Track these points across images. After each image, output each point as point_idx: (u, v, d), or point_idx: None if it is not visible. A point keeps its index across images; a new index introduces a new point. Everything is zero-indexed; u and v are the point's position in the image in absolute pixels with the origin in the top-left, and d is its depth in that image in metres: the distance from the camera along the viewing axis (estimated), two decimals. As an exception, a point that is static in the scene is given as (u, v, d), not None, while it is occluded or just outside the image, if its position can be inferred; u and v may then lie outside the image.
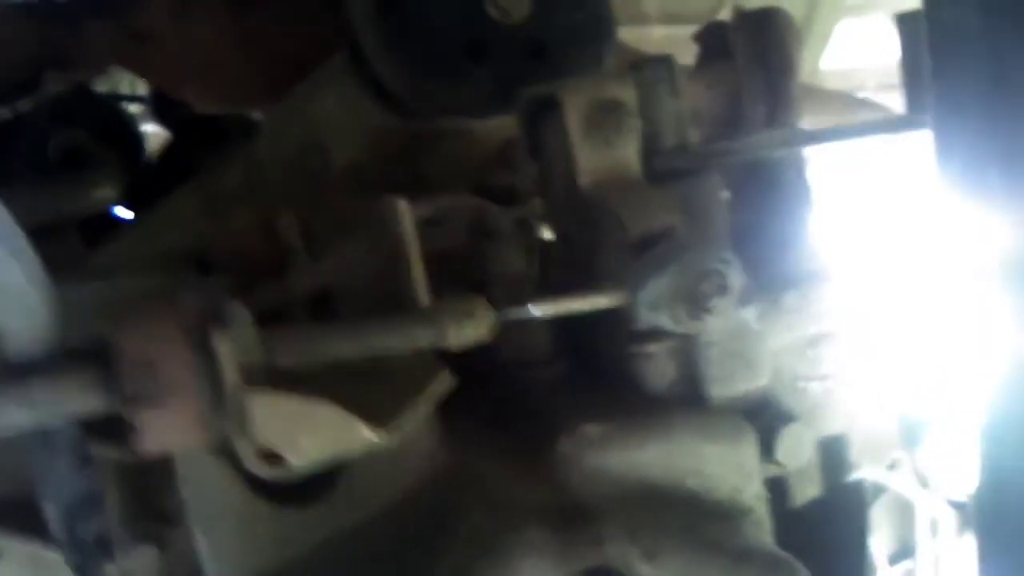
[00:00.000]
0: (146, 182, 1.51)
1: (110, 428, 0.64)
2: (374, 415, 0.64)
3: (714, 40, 1.15)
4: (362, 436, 0.61)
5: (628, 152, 0.84)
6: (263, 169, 1.13)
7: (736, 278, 0.77)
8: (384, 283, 0.82)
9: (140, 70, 1.34)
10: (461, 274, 0.97)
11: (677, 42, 1.46)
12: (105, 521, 0.80)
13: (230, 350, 0.59)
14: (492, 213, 0.88)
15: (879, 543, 1.39)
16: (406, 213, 0.80)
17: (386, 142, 1.16)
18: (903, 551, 1.43)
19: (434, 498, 0.75)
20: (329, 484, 0.77)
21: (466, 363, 0.82)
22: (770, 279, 0.89)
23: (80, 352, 0.60)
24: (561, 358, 0.89)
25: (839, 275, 0.93)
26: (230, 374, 0.58)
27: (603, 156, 0.84)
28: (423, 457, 0.77)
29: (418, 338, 0.67)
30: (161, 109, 1.61)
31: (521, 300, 0.72)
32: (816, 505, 0.98)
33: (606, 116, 0.83)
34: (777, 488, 0.93)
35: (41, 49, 1.35)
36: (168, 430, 0.59)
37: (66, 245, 1.33)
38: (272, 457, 0.61)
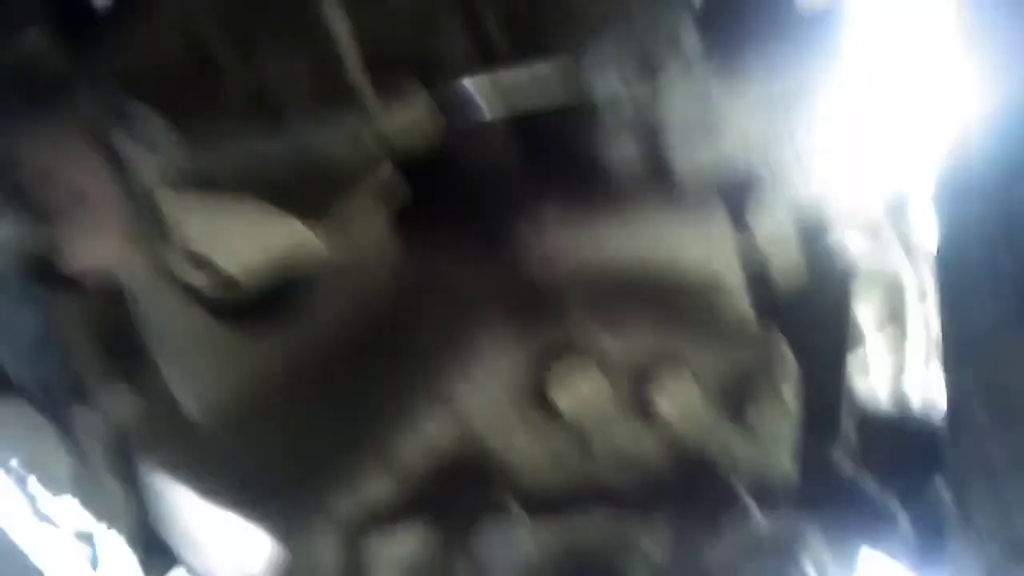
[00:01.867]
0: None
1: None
2: (309, 210, 0.60)
3: None
4: (296, 232, 0.58)
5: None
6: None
7: (688, 33, 0.72)
8: (323, 83, 0.76)
9: None
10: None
11: None
12: (71, 363, 0.78)
13: (138, 149, 0.54)
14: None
15: (867, 311, 1.39)
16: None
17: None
18: (892, 317, 1.43)
19: (397, 306, 0.72)
20: (290, 305, 0.74)
21: (427, 173, 0.78)
22: (730, 37, 0.82)
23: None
24: (514, 143, 0.84)
25: (806, 27, 0.87)
26: (143, 175, 0.54)
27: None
28: (383, 269, 0.74)
29: (353, 132, 0.63)
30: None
31: (456, 72, 0.66)
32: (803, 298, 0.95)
33: None
34: (760, 277, 0.90)
35: None
36: (91, 242, 0.55)
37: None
38: (205, 264, 0.58)
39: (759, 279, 0.91)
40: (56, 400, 0.83)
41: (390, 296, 0.76)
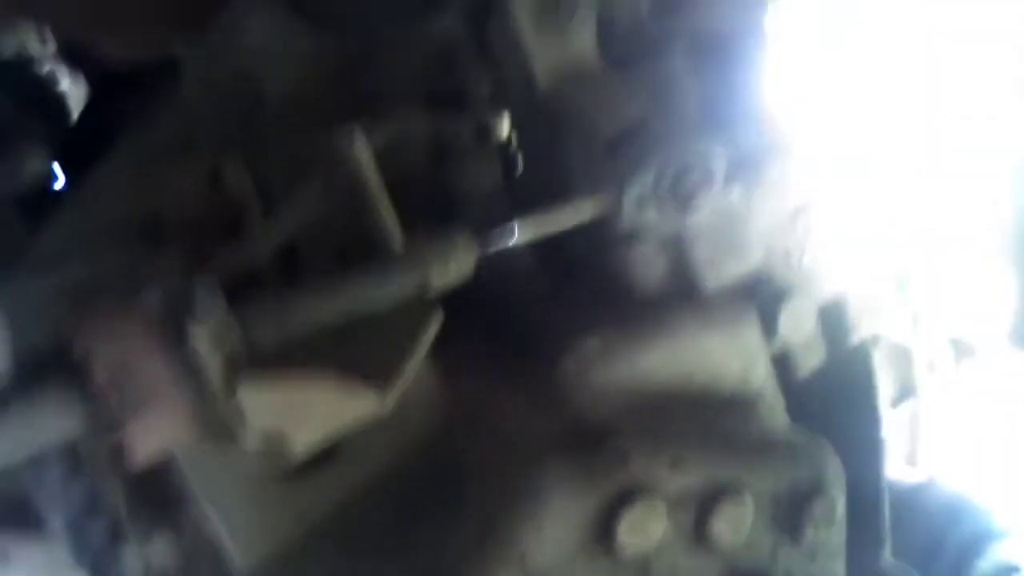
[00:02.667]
0: (76, 144, 1.42)
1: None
2: (372, 374, 0.60)
3: None
4: (366, 402, 0.58)
5: (585, 41, 0.79)
6: (194, 114, 1.05)
7: (719, 164, 0.73)
8: (351, 225, 0.77)
9: (41, 17, 1.24)
10: (426, 199, 0.92)
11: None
12: (114, 517, 0.77)
13: (208, 342, 0.54)
14: (450, 128, 0.82)
15: (881, 389, 1.41)
16: (362, 143, 0.74)
17: (322, 64, 1.08)
18: (904, 392, 1.45)
19: (443, 444, 0.72)
20: (334, 447, 0.73)
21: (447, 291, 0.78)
22: (746, 154, 0.84)
23: (50, 371, 0.56)
24: (543, 270, 0.85)
25: (811, 140, 0.89)
26: (213, 369, 0.54)
27: (559, 50, 0.78)
28: (425, 402, 0.73)
29: (401, 286, 0.63)
30: (76, 60, 1.51)
31: (501, 223, 0.67)
32: (823, 372, 0.96)
33: (556, 5, 0.76)
34: (783, 363, 0.92)
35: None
36: (157, 437, 0.55)
37: (5, 229, 1.26)
38: (276, 442, 0.57)
39: (794, 385, 0.93)
40: (91, 544, 0.82)
41: (436, 431, 0.76)
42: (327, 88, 1.09)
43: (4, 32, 1.35)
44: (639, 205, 0.71)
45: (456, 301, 0.80)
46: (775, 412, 0.83)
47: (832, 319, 0.95)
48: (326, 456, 0.75)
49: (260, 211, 0.89)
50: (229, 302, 0.59)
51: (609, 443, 0.66)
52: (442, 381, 0.76)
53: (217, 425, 0.56)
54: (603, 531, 0.65)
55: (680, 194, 0.71)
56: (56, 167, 1.39)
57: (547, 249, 0.87)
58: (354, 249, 0.81)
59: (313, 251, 0.87)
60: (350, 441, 0.74)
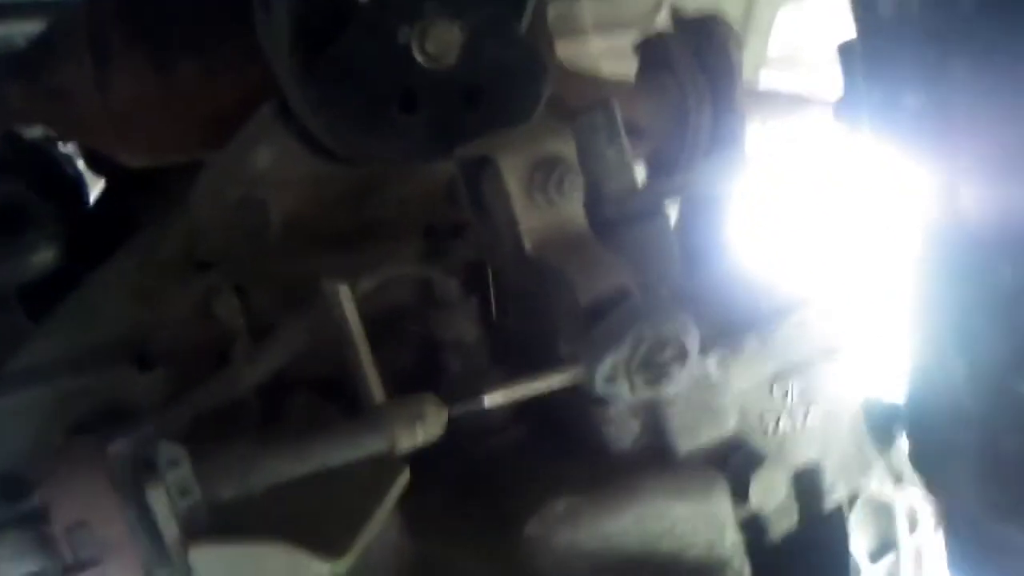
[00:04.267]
0: (87, 232, 1.45)
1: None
2: (328, 537, 0.61)
3: (654, 50, 1.12)
4: (316, 569, 0.58)
5: (573, 209, 0.81)
6: (198, 231, 1.08)
7: (693, 341, 0.75)
8: (333, 365, 0.79)
9: (61, 129, 1.28)
10: (410, 333, 0.93)
11: (616, 52, 1.42)
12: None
13: (166, 501, 0.55)
14: (439, 280, 0.85)
15: (859, 542, 1.39)
16: (348, 298, 0.76)
17: (326, 191, 1.11)
18: (884, 547, 1.43)
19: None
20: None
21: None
22: (726, 320, 0.86)
23: (14, 515, 0.57)
24: (519, 421, 0.86)
25: (797, 306, 0.91)
26: (168, 527, 0.55)
27: (547, 216, 0.80)
28: (387, 551, 0.74)
29: (367, 448, 0.64)
30: (93, 156, 1.55)
31: (475, 391, 0.69)
32: (796, 534, 0.96)
33: (546, 174, 0.79)
34: (753, 525, 0.92)
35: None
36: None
37: (6, 317, 1.28)
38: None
39: (759, 544, 0.93)
40: None
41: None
42: (329, 213, 1.12)
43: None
44: (611, 378, 0.72)
45: (427, 449, 0.81)
46: (742, 579, 0.83)
47: (807, 482, 0.95)
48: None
49: (249, 340, 0.90)
50: (197, 450, 0.61)
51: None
52: (406, 532, 0.76)
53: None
54: None
55: (653, 368, 0.73)
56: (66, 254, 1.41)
57: (523, 404, 0.88)
58: (338, 389, 0.83)
59: (298, 385, 0.89)
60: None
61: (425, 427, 0.65)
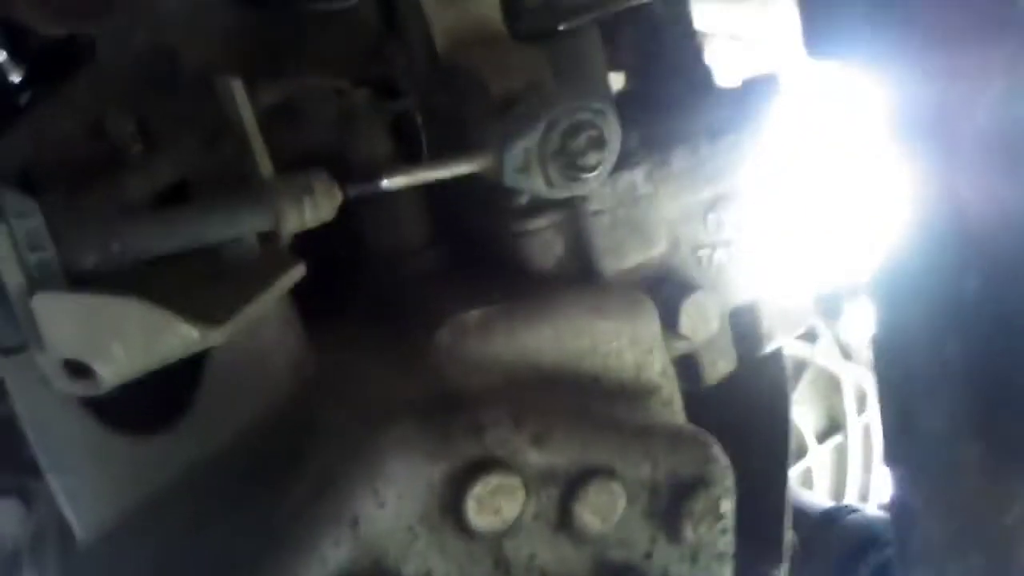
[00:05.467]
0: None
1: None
2: (205, 311, 0.55)
3: None
4: (183, 334, 0.53)
5: (486, 7, 0.75)
6: (106, 84, 1.01)
7: (612, 129, 0.70)
8: (231, 174, 0.73)
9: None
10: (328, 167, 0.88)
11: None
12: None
13: (9, 246, 0.49)
14: (348, 94, 0.79)
15: (806, 421, 1.36)
16: (239, 90, 0.70)
17: (242, 44, 1.05)
18: (832, 427, 1.40)
19: (299, 406, 0.67)
20: (184, 407, 0.68)
21: (333, 253, 0.74)
22: (659, 137, 0.81)
23: None
24: (440, 244, 0.81)
25: (736, 129, 0.86)
26: (10, 272, 0.49)
27: (459, 14, 0.75)
28: (286, 366, 0.68)
29: (248, 222, 0.59)
30: (9, 37, 1.46)
31: (374, 174, 0.63)
32: (734, 381, 0.92)
33: (457, -31, 0.73)
34: (688, 365, 0.87)
35: None
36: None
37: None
38: (80, 369, 0.52)
39: (692, 383, 0.88)
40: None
41: (291, 395, 0.70)
42: (244, 65, 1.06)
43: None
44: (523, 168, 0.67)
45: (342, 261, 0.76)
46: (671, 411, 0.78)
47: (744, 325, 0.91)
48: (176, 414, 0.69)
49: (140, 158, 0.84)
50: (57, 213, 0.55)
51: (465, 412, 0.61)
52: (307, 346, 0.71)
53: (9, 334, 0.50)
54: (450, 505, 0.60)
55: (568, 156, 0.67)
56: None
57: (445, 221, 0.83)
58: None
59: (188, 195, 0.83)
60: (202, 399, 0.69)
61: (315, 204, 0.59)
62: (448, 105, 0.77)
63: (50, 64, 1.38)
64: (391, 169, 0.65)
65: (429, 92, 0.81)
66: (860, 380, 1.31)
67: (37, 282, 0.51)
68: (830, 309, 1.23)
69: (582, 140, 0.67)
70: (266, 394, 0.68)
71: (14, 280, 0.49)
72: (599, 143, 0.68)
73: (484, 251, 0.80)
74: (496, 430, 0.61)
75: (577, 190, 0.70)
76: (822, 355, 1.25)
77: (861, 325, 1.28)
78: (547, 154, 0.67)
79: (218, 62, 1.05)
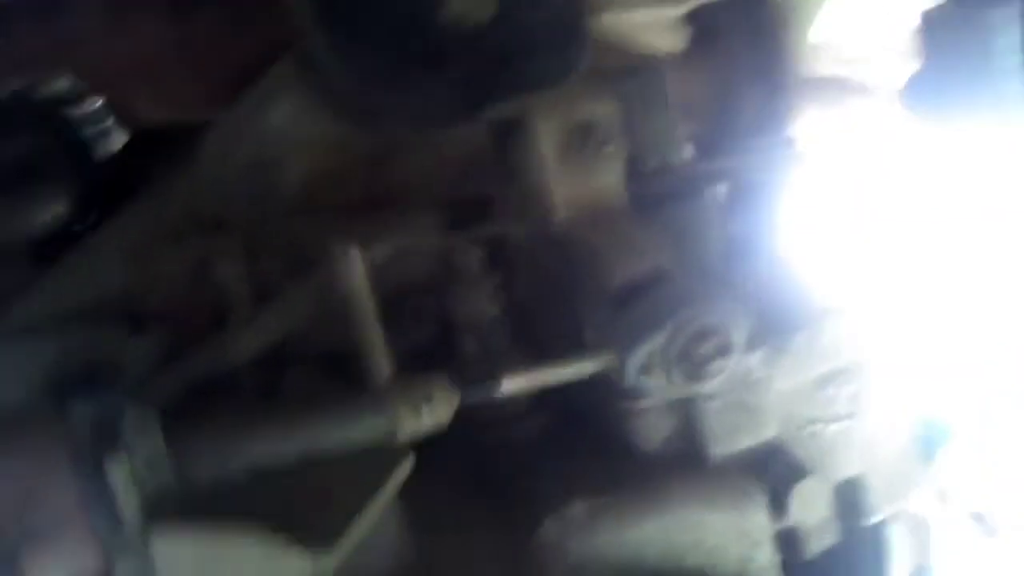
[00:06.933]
0: (100, 189, 1.39)
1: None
2: (314, 529, 0.53)
3: (702, 23, 1.04)
4: (297, 565, 0.51)
5: (610, 179, 0.73)
6: (205, 190, 1.01)
7: (740, 333, 0.67)
8: (341, 339, 0.71)
9: (75, 76, 1.22)
10: (425, 309, 0.86)
11: (663, 25, 1.34)
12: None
13: (127, 473, 0.48)
14: (459, 249, 0.77)
15: (896, 564, 1.30)
16: (358, 263, 0.69)
17: (345, 155, 1.04)
18: (920, 568, 1.34)
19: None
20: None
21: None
22: (773, 315, 0.78)
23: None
24: (541, 410, 0.78)
25: (849, 305, 0.82)
26: (127, 504, 0.48)
27: (581, 185, 0.72)
28: (387, 550, 0.66)
29: (366, 430, 0.57)
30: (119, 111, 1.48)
31: (491, 375, 0.61)
32: (834, 549, 0.88)
33: (584, 139, 0.71)
34: (789, 539, 0.83)
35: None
36: (58, 569, 0.48)
37: (12, 270, 1.22)
38: (191, 596, 0.50)
39: (793, 556, 0.84)
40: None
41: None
42: (345, 179, 1.05)
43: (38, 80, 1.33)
44: (645, 369, 0.64)
45: (438, 437, 0.73)
46: (774, 605, 0.75)
47: (850, 497, 0.87)
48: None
49: (249, 307, 0.83)
50: (175, 424, 0.53)
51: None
52: (408, 528, 0.69)
53: (128, 568, 0.49)
54: None
55: (693, 361, 0.65)
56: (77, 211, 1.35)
57: (545, 392, 0.80)
58: (341, 364, 0.75)
59: (299, 358, 0.82)
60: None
61: (432, 411, 0.58)
62: (560, 276, 0.75)
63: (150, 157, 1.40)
64: (510, 369, 0.62)
65: (541, 253, 0.78)
66: (952, 523, 1.25)
67: (152, 509, 0.49)
68: (924, 451, 1.17)
69: (707, 347, 0.64)
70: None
71: (131, 513, 0.48)
72: (725, 348, 0.65)
73: (587, 423, 0.78)
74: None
75: (699, 389, 0.67)
76: (915, 499, 1.19)
77: (954, 466, 1.23)
78: (671, 358, 0.64)
79: (322, 176, 1.04)
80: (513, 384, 0.62)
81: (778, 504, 0.77)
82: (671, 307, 0.64)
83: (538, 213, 0.76)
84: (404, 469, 0.61)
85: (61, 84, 1.50)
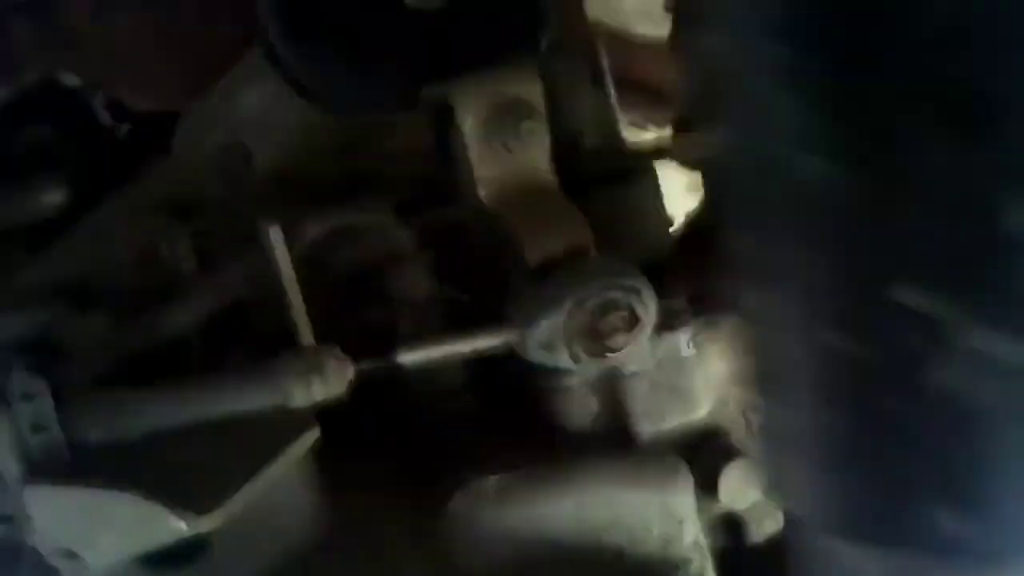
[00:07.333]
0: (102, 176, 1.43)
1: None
2: (196, 494, 0.55)
3: (687, 9, 1.03)
4: (171, 526, 0.53)
5: (534, 158, 0.73)
6: (181, 176, 1.04)
7: (649, 308, 0.67)
8: (276, 316, 0.73)
9: (70, 69, 1.25)
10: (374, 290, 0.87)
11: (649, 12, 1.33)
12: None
13: (8, 434, 0.50)
14: (391, 231, 0.78)
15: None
16: (280, 239, 0.71)
17: (312, 140, 1.06)
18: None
19: (314, 563, 0.66)
20: (196, 552, 0.68)
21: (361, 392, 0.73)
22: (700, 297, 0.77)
23: None
24: (474, 388, 0.79)
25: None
26: (7, 462, 0.50)
27: (504, 164, 0.73)
28: (300, 517, 0.68)
29: (254, 400, 0.58)
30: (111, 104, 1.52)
31: (389, 347, 0.62)
32: (783, 538, 0.87)
33: (504, 119, 0.72)
34: (729, 525, 0.83)
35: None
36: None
37: (8, 252, 1.27)
38: (71, 553, 0.53)
39: (736, 542, 0.84)
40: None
41: (302, 553, 0.69)
42: (318, 164, 1.07)
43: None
44: (547, 344, 0.65)
45: (376, 411, 0.75)
46: (700, 585, 0.74)
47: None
48: (190, 555, 0.70)
49: (193, 281, 0.85)
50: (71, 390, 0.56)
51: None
52: (326, 499, 0.70)
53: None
54: None
55: (596, 336, 0.65)
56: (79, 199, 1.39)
57: (481, 369, 0.81)
58: (285, 336, 0.77)
59: (245, 331, 0.84)
60: (216, 544, 0.68)
61: (324, 382, 0.59)
62: (485, 251, 0.76)
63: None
64: (409, 342, 0.63)
65: (471, 235, 0.79)
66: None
67: (36, 464, 0.51)
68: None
69: (612, 319, 0.65)
70: (275, 549, 0.68)
71: (10, 470, 0.50)
72: (630, 322, 0.65)
73: (518, 400, 0.78)
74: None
75: (606, 365, 0.67)
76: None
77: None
78: (573, 333, 0.65)
79: (289, 161, 1.06)
80: (410, 356, 0.63)
81: (708, 483, 0.77)
82: (576, 282, 0.64)
83: (467, 192, 0.77)
84: (307, 439, 0.63)
85: (71, 78, 1.55)
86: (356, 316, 0.84)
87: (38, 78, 1.38)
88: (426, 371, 0.80)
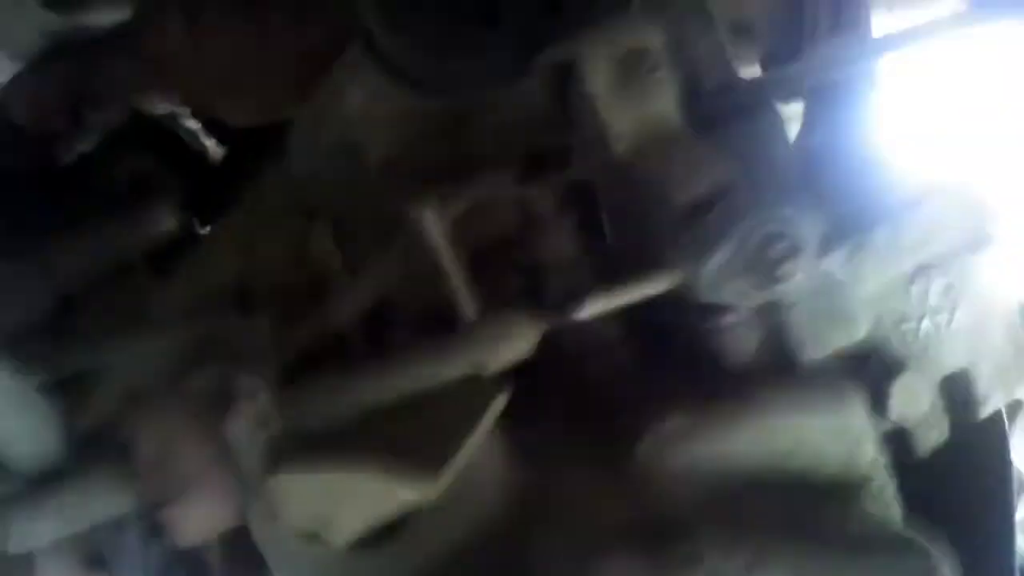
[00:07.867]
0: (210, 198, 1.48)
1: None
2: (423, 457, 0.58)
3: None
4: (408, 494, 0.56)
5: (665, 105, 0.75)
6: (298, 181, 1.07)
7: (808, 233, 0.67)
8: (431, 295, 0.76)
9: (167, 94, 1.30)
10: (513, 267, 0.89)
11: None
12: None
13: (243, 433, 0.53)
14: (530, 198, 0.80)
15: (1018, 465, 1.27)
16: (433, 214, 0.73)
17: (420, 127, 1.08)
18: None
19: (510, 528, 0.69)
20: (398, 524, 0.71)
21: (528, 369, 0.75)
22: (853, 214, 0.78)
23: (102, 454, 0.57)
24: (629, 341, 0.81)
25: (935, 194, 0.81)
26: (248, 460, 0.53)
27: (637, 115, 0.74)
28: (492, 482, 0.70)
29: (451, 369, 0.61)
30: (210, 124, 1.57)
31: (569, 302, 0.64)
32: (947, 448, 0.87)
33: (632, 69, 0.73)
34: (897, 440, 0.84)
35: (70, 94, 1.32)
36: (196, 523, 0.55)
37: (133, 283, 1.32)
38: (319, 527, 0.56)
39: (904, 456, 0.84)
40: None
41: (503, 514, 0.72)
42: (427, 150, 1.09)
43: (139, 102, 1.42)
44: (718, 279, 0.66)
45: (535, 375, 0.77)
46: (884, 498, 0.76)
47: (956, 391, 0.86)
48: (390, 532, 0.73)
49: (345, 277, 0.89)
50: (288, 381, 0.59)
51: (682, 541, 0.61)
52: (512, 461, 0.73)
53: (259, 509, 0.55)
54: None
55: (763, 267, 0.66)
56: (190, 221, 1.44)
57: (633, 319, 0.83)
58: (438, 313, 0.79)
59: (398, 315, 0.87)
60: (414, 518, 0.72)
61: (512, 343, 0.61)
62: (631, 207, 0.77)
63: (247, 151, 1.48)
64: (586, 294, 0.65)
65: (610, 191, 0.81)
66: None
67: (269, 460, 0.55)
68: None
69: (775, 252, 0.66)
70: (476, 511, 0.71)
71: (250, 466, 0.53)
72: (793, 251, 0.66)
73: (677, 345, 0.80)
74: (711, 560, 0.61)
75: (774, 297, 0.68)
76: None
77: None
78: (739, 267, 0.66)
79: (402, 150, 1.09)
80: (589, 308, 0.64)
81: (878, 402, 0.77)
82: (734, 217, 0.66)
83: (602, 153, 0.78)
84: (499, 403, 0.65)
85: (162, 105, 1.60)
86: (505, 288, 0.87)
87: (132, 109, 1.43)
88: (578, 329, 0.82)
